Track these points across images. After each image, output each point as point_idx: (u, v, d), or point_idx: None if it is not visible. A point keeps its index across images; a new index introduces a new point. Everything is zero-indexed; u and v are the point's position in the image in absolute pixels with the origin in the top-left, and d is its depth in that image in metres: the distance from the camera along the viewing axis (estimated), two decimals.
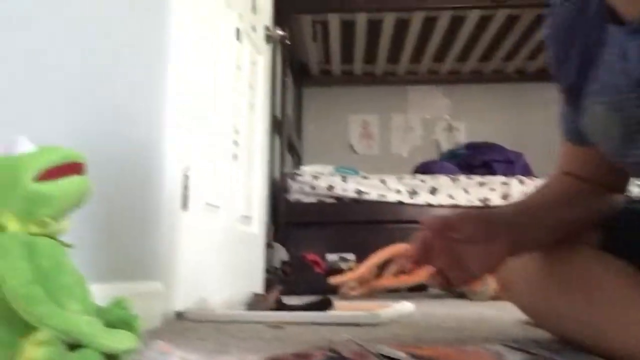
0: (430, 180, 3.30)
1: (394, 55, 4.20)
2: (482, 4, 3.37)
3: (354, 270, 2.21)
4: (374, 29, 3.76)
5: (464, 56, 4.22)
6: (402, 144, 4.54)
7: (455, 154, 4.01)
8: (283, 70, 3.24)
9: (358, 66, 4.40)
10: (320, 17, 3.62)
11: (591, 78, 0.81)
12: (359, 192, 3.22)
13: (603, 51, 0.78)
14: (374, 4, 3.35)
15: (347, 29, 3.76)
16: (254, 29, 2.17)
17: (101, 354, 0.59)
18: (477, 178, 3.34)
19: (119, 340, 0.61)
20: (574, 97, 0.85)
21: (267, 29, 2.37)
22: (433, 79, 4.55)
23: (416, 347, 0.88)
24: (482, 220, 0.82)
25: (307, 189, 3.23)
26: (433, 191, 3.26)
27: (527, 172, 3.69)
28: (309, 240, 3.17)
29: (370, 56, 4.21)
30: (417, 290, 2.35)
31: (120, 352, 0.61)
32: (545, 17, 0.89)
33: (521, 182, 3.30)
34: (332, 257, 3.02)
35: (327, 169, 3.54)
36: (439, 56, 4.22)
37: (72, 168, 0.71)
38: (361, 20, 3.64)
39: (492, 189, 3.27)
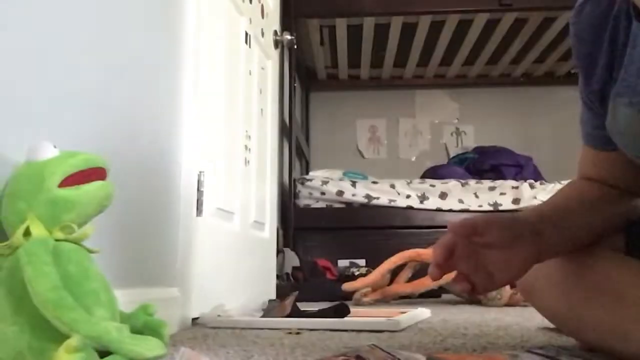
0: (440, 184, 3.29)
1: (401, 60, 4.20)
2: (489, 7, 3.36)
3: (367, 276, 2.19)
4: (381, 33, 3.76)
5: (471, 60, 4.22)
6: (410, 148, 4.53)
7: (464, 158, 4.00)
8: (291, 74, 3.24)
9: (365, 70, 4.40)
10: (327, 21, 3.62)
11: (617, 79, 0.80)
12: (369, 197, 3.21)
13: (631, 52, 0.77)
14: (381, 9, 3.34)
15: (355, 33, 3.76)
16: (262, 33, 2.17)
17: None
18: (488, 182, 3.32)
19: (148, 347, 0.60)
20: (599, 98, 0.84)
21: (275, 33, 2.37)
22: (440, 83, 4.55)
23: (442, 354, 0.87)
24: (507, 226, 0.80)
25: (317, 194, 3.22)
26: (443, 196, 3.24)
27: (536, 176, 3.67)
28: (319, 246, 3.15)
29: (377, 60, 4.21)
30: (429, 297, 2.33)
31: (149, 359, 0.60)
32: (570, 17, 0.87)
33: (532, 186, 3.28)
34: (342, 262, 3.01)
35: (336, 173, 3.53)
36: (446, 60, 4.21)
37: (96, 173, 0.70)
38: (368, 24, 3.64)
39: (503, 193, 3.25)
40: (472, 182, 3.32)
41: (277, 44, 2.39)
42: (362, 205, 3.21)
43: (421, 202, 3.22)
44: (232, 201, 1.73)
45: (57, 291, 0.57)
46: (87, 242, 0.70)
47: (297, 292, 1.38)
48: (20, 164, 0.69)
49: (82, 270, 0.64)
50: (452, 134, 4.55)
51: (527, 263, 0.80)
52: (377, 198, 3.21)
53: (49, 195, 0.65)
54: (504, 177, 3.53)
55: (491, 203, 3.22)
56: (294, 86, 3.34)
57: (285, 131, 3.02)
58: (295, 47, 2.88)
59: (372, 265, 2.64)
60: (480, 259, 0.77)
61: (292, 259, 2.70)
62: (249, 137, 1.97)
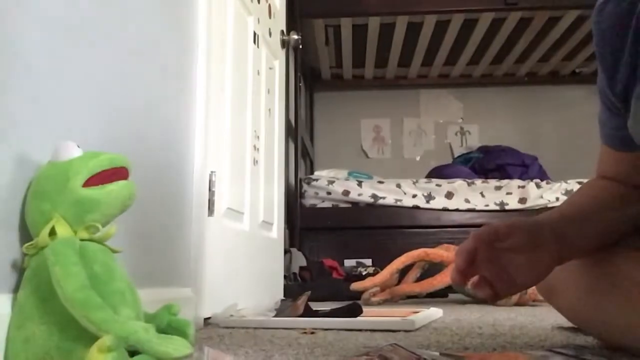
0: (446, 184, 3.28)
1: (405, 59, 4.20)
2: (495, 6, 3.36)
3: (375, 276, 2.19)
4: (385, 32, 3.76)
5: (475, 59, 4.21)
6: (415, 148, 4.52)
7: (469, 158, 4.00)
8: (296, 74, 3.23)
9: (370, 70, 4.39)
10: (332, 21, 3.62)
11: None
12: (375, 196, 3.20)
13: None
14: (386, 8, 3.34)
15: (359, 33, 3.76)
16: (270, 33, 2.16)
17: None
18: (494, 182, 3.32)
19: (175, 347, 0.60)
20: (622, 99, 0.83)
21: (282, 33, 2.37)
22: (444, 82, 4.54)
23: (463, 353, 0.87)
24: (529, 230, 0.80)
25: (323, 194, 3.22)
26: (449, 195, 3.23)
27: (542, 175, 3.67)
28: (325, 246, 3.15)
29: (381, 60, 4.21)
30: (436, 296, 2.33)
31: (175, 359, 0.60)
32: (592, 17, 0.87)
33: (538, 185, 3.28)
34: (349, 262, 3.01)
35: (342, 173, 3.53)
36: (451, 59, 4.21)
37: (119, 173, 0.70)
38: (373, 24, 3.63)
39: (509, 193, 3.24)
40: (478, 182, 3.32)
41: (283, 43, 2.39)
42: (368, 205, 3.21)
43: (427, 201, 3.22)
44: (242, 201, 1.72)
45: (85, 291, 0.57)
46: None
47: (310, 292, 1.38)
48: (44, 164, 0.69)
49: (107, 270, 0.64)
50: (456, 134, 4.55)
51: (550, 266, 0.80)
52: (383, 198, 3.20)
53: (74, 195, 0.65)
54: (509, 177, 3.53)
55: (497, 202, 3.21)
56: (299, 86, 3.34)
57: (290, 131, 3.02)
58: (301, 47, 2.88)
59: (378, 265, 2.64)
60: (502, 263, 0.77)
61: (299, 259, 2.70)
62: (258, 137, 1.96)
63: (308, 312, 1.34)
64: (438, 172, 3.68)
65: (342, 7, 3.33)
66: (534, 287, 2.04)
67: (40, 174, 0.67)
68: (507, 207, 3.19)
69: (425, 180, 3.38)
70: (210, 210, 1.44)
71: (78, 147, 0.69)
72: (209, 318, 1.37)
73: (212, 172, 1.46)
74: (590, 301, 0.88)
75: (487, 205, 3.21)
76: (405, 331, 1.16)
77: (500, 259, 0.77)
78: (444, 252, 2.20)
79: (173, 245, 1.26)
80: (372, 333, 1.14)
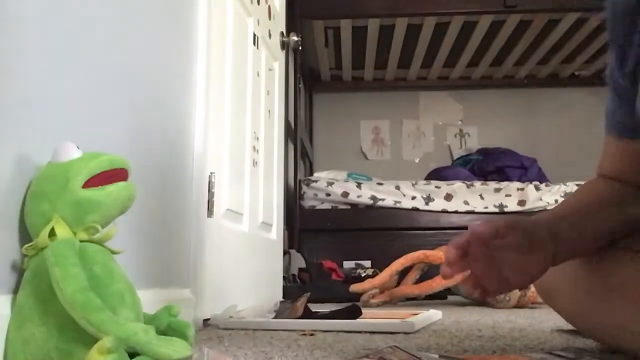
0: (445, 186, 3.28)
1: (405, 61, 4.20)
2: (494, 9, 3.36)
3: (374, 278, 2.19)
4: (385, 34, 3.76)
5: (475, 61, 4.22)
6: (414, 149, 4.52)
7: (468, 160, 4.00)
8: (296, 76, 3.23)
9: (369, 72, 4.40)
10: (332, 23, 3.62)
11: None
12: (374, 198, 3.20)
13: None
14: (386, 10, 3.35)
15: (359, 34, 3.76)
16: (270, 35, 2.17)
17: None
18: (493, 184, 3.32)
19: (174, 349, 0.59)
20: (632, 80, 0.82)
21: (282, 34, 2.37)
22: (444, 84, 4.55)
23: (463, 355, 0.87)
24: (525, 229, 0.80)
25: (322, 195, 3.22)
26: (448, 197, 3.24)
27: (541, 177, 3.67)
28: (324, 247, 3.15)
29: (381, 62, 4.21)
30: (435, 298, 2.33)
31: None
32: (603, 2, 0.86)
33: (537, 187, 3.28)
34: (348, 264, 3.00)
35: (341, 175, 3.53)
36: (450, 61, 4.21)
37: (118, 174, 0.70)
38: (373, 26, 3.64)
39: (508, 195, 3.25)
40: (477, 184, 3.32)
41: (283, 45, 2.39)
42: (368, 206, 3.21)
43: (426, 203, 3.22)
44: (241, 202, 1.72)
45: (85, 293, 0.57)
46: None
47: (309, 293, 1.38)
48: (44, 165, 0.69)
49: (107, 272, 0.64)
50: (455, 136, 4.55)
51: (544, 267, 0.80)
52: (383, 199, 3.20)
53: (74, 196, 0.65)
54: (508, 179, 3.53)
55: (497, 205, 3.21)
56: (299, 87, 3.34)
57: (290, 132, 3.02)
58: (300, 48, 2.87)
59: (377, 266, 2.64)
60: (495, 261, 0.77)
61: (298, 260, 2.70)
62: (257, 138, 1.96)
63: (307, 314, 1.34)
64: (437, 174, 3.68)
65: (341, 8, 3.33)
66: (534, 289, 2.04)
67: (40, 175, 0.67)
68: (506, 209, 3.19)
69: (424, 182, 3.38)
70: (210, 212, 1.44)
71: (78, 148, 0.69)
72: (209, 319, 1.37)
73: (211, 173, 1.46)
74: (588, 302, 0.88)
75: (486, 208, 3.21)
76: (405, 333, 1.16)
77: (494, 258, 0.76)
78: (443, 254, 2.20)
79: (172, 247, 1.26)
80: (371, 335, 1.14)
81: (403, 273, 2.23)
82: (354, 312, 1.34)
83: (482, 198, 3.24)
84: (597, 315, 0.86)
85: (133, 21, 1.07)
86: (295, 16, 3.13)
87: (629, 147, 0.88)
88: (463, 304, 2.18)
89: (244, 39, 1.84)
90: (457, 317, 1.59)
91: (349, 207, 3.22)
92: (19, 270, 0.67)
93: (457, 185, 3.28)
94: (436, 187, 3.27)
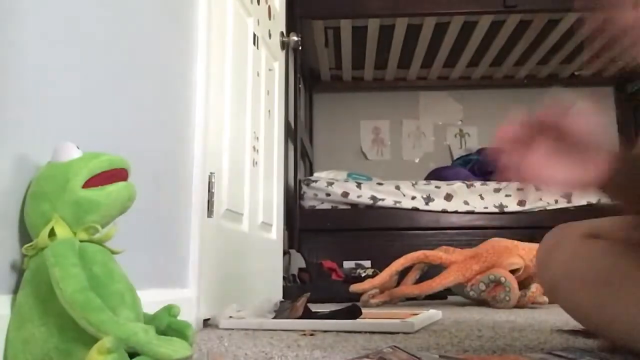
0: (445, 186, 3.28)
1: (405, 61, 4.20)
2: (494, 9, 3.36)
3: (374, 278, 2.19)
4: (385, 34, 3.76)
5: (475, 61, 4.22)
6: (414, 149, 4.52)
7: (468, 160, 4.00)
8: (296, 76, 3.23)
9: (369, 72, 4.40)
10: (332, 23, 3.62)
11: None
12: (374, 198, 3.20)
13: None
14: (386, 10, 3.35)
15: (359, 34, 3.76)
16: (270, 35, 2.16)
17: None
18: (493, 184, 3.32)
19: (174, 349, 0.59)
20: None
21: (282, 34, 2.36)
22: (444, 84, 4.55)
23: (463, 355, 0.87)
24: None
25: (322, 195, 3.21)
26: (448, 197, 3.24)
27: None
28: (324, 247, 3.15)
29: (381, 62, 4.21)
30: (435, 298, 2.32)
31: None
32: None
33: (537, 187, 3.27)
34: (348, 264, 3.00)
35: (341, 174, 3.53)
36: (450, 61, 4.21)
37: (118, 174, 0.70)
38: (373, 26, 3.64)
39: (508, 195, 3.25)
40: (477, 184, 3.32)
41: (283, 45, 2.39)
42: (368, 206, 3.21)
43: (426, 203, 3.22)
44: (241, 202, 1.72)
45: (85, 293, 0.57)
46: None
47: (309, 293, 1.38)
48: (44, 165, 0.69)
49: (107, 272, 0.64)
50: (455, 136, 4.55)
51: (594, 177, 0.74)
52: (383, 199, 3.20)
53: (74, 196, 0.65)
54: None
55: (496, 205, 3.21)
56: (299, 87, 3.34)
57: (290, 132, 3.02)
58: (300, 48, 2.87)
59: (377, 266, 2.64)
60: (547, 149, 0.73)
61: (298, 261, 2.70)
62: (257, 138, 1.96)
63: (307, 314, 1.34)
64: (437, 174, 3.68)
65: (341, 8, 3.33)
66: (534, 290, 2.04)
67: (40, 175, 0.67)
68: (506, 210, 3.20)
69: (424, 182, 3.38)
70: (210, 212, 1.44)
71: (77, 148, 0.69)
72: (208, 319, 1.37)
73: (211, 173, 1.46)
74: (596, 299, 0.87)
75: (486, 208, 3.21)
76: (405, 333, 1.16)
77: (550, 147, 0.73)
78: (443, 254, 2.20)
79: (172, 247, 1.26)
80: (371, 335, 1.14)
81: (403, 273, 2.23)
82: (354, 312, 1.34)
83: (482, 198, 3.24)
84: (602, 310, 0.85)
85: (133, 21, 1.07)
86: (295, 16, 3.13)
87: None
88: (463, 304, 2.18)
89: (244, 39, 1.84)
90: (457, 317, 1.59)
91: (349, 207, 3.22)
92: (19, 270, 0.67)
93: (457, 185, 3.28)
94: (436, 187, 3.28)
